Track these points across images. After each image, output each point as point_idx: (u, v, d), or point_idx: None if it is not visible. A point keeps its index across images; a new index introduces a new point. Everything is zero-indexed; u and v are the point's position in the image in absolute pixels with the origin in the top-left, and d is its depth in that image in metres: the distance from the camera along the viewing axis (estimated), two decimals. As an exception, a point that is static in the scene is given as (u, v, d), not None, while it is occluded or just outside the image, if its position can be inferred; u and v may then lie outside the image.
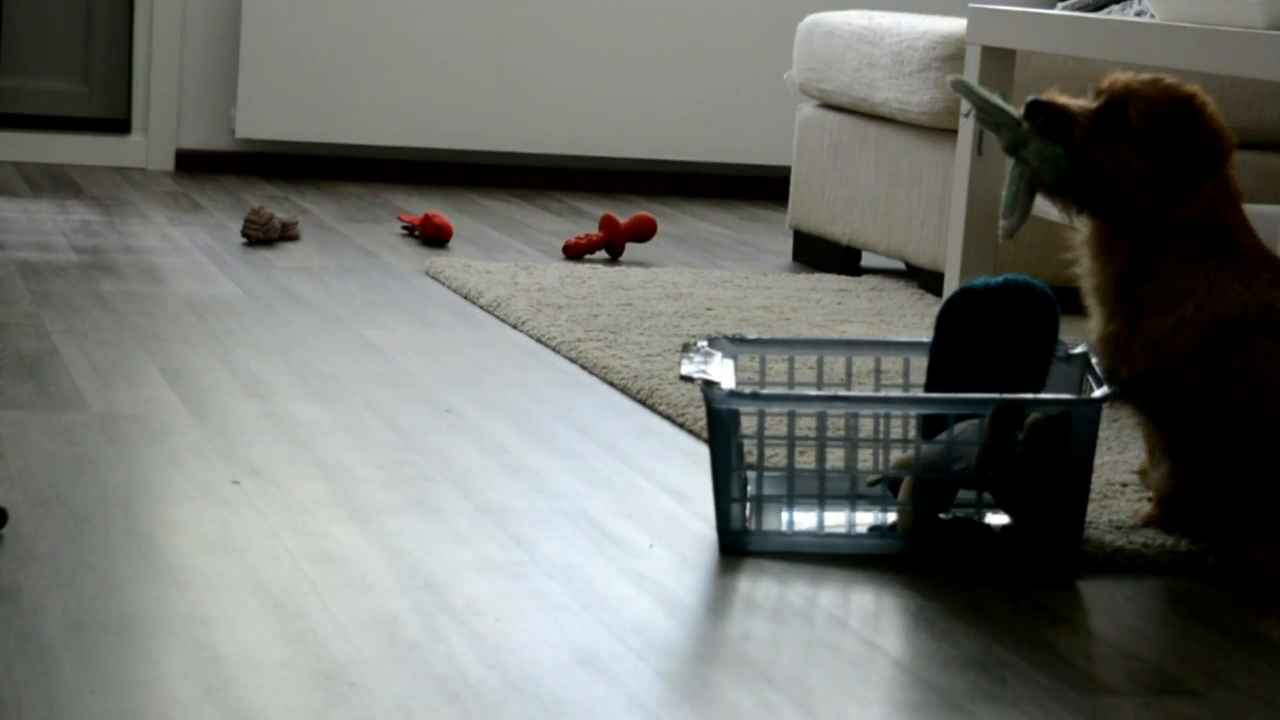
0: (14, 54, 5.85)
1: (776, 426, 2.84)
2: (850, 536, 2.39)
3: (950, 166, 4.22)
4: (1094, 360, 2.50)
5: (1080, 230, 2.46)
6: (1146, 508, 2.55)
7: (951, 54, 4.21)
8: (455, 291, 4.02)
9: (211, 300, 3.75)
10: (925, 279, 4.37)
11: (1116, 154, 2.37)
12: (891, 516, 2.43)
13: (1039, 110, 2.39)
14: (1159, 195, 2.36)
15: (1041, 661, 2.03)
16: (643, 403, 3.11)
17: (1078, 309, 4.25)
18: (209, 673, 1.84)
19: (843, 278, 4.50)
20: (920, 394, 2.55)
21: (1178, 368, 2.35)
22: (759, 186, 6.12)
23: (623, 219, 4.72)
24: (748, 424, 2.72)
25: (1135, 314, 2.38)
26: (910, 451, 2.40)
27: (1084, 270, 2.45)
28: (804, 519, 2.46)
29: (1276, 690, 1.99)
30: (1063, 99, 2.40)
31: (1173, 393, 2.37)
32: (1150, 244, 2.37)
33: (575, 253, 4.59)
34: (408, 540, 2.32)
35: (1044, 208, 3.72)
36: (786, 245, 5.10)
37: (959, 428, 2.37)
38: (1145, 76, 2.41)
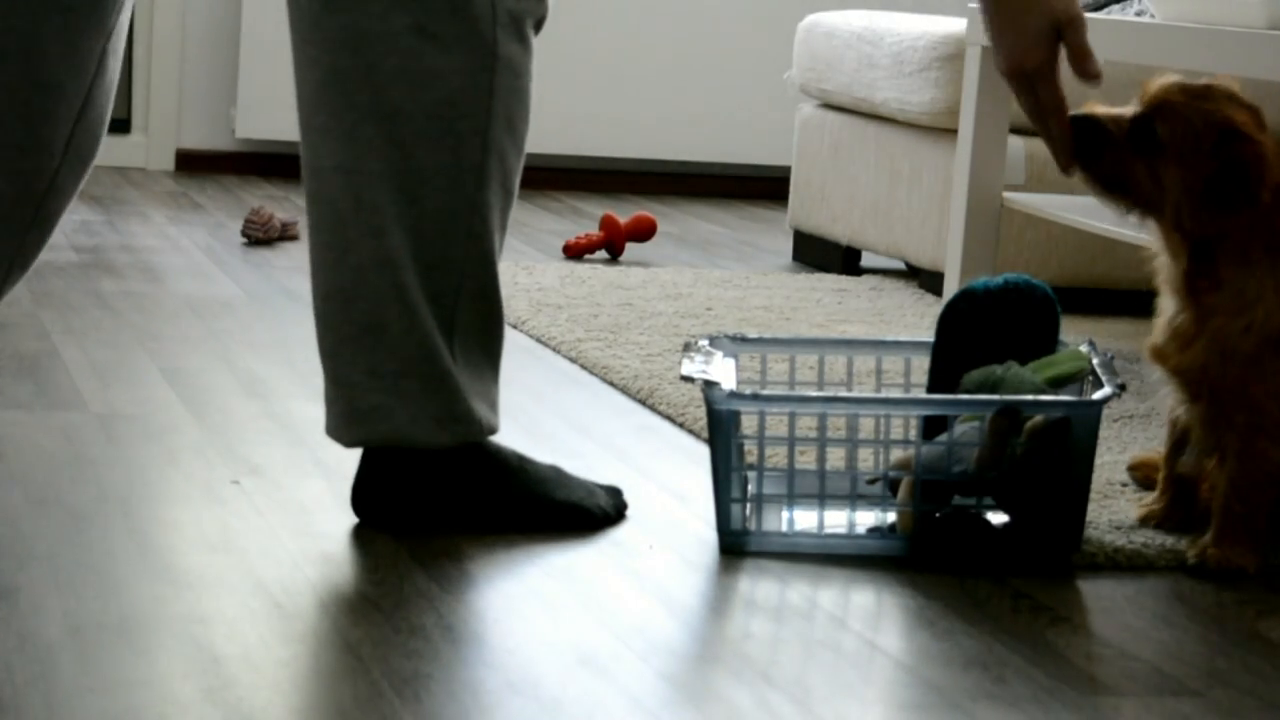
0: (14, 54, 5.85)
1: (777, 426, 2.83)
2: (850, 536, 2.39)
3: (950, 166, 4.22)
4: (1100, 361, 2.49)
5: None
6: (1148, 505, 2.54)
7: (951, 54, 4.21)
8: (455, 291, 4.02)
9: (211, 300, 3.75)
10: (925, 279, 4.37)
11: (1151, 169, 2.35)
12: (891, 516, 2.43)
13: (1080, 124, 2.36)
14: (1195, 213, 2.34)
15: (1041, 661, 2.03)
16: (643, 403, 3.10)
17: (1078, 309, 4.26)
18: (209, 673, 1.84)
19: (843, 278, 4.50)
20: (921, 395, 2.55)
21: (1238, 367, 2.34)
22: (759, 186, 6.12)
23: (623, 219, 4.72)
24: (748, 424, 2.72)
25: (1205, 314, 2.37)
26: (909, 451, 2.40)
27: (1159, 264, 2.44)
28: (804, 519, 2.46)
29: (1276, 690, 1.99)
30: (1102, 110, 2.38)
31: (1226, 388, 2.36)
32: (1208, 250, 2.35)
33: (575, 253, 4.59)
34: (407, 540, 2.31)
35: (1057, 207, 3.72)
36: (786, 245, 5.10)
37: (959, 429, 2.37)
38: (1192, 85, 2.37)
